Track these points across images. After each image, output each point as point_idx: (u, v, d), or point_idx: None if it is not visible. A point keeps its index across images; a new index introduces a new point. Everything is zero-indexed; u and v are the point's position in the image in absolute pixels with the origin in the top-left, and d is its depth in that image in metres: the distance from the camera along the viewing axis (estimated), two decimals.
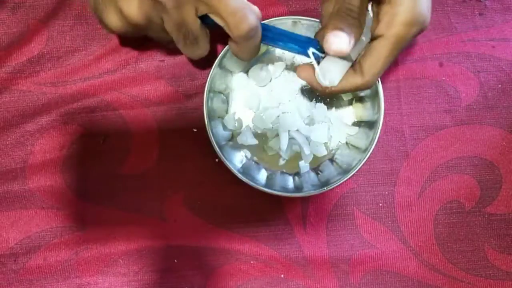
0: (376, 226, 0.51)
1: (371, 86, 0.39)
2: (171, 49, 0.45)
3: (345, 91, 0.40)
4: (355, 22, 0.37)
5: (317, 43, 0.40)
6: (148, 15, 0.38)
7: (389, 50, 0.37)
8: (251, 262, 0.50)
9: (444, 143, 0.51)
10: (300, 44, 0.41)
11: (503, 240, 0.51)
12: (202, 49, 0.41)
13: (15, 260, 0.50)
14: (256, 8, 0.39)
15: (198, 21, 0.39)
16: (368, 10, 0.39)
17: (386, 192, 0.51)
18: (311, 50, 0.40)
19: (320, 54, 0.40)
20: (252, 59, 0.42)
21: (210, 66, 0.46)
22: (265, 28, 0.40)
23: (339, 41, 0.37)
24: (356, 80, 0.39)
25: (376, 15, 0.38)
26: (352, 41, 0.37)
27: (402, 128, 0.51)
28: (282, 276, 0.50)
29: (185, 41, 0.40)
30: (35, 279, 0.50)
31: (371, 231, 0.51)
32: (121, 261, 0.50)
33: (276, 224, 0.50)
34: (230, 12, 0.37)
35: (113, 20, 0.40)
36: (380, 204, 0.51)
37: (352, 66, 0.39)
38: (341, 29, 0.37)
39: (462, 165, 0.51)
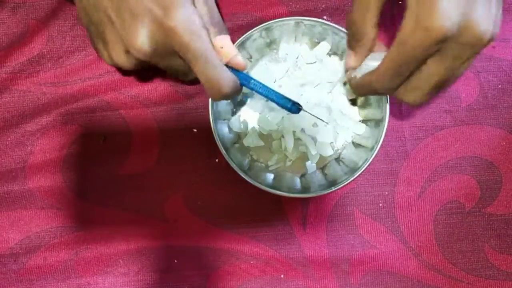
0: (376, 226, 0.51)
1: (377, 87, 0.38)
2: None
3: (361, 87, 0.41)
4: (359, 44, 0.39)
5: (293, 103, 0.44)
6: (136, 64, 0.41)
7: (393, 54, 0.35)
8: (251, 262, 0.50)
9: (444, 143, 0.51)
10: (279, 99, 0.44)
11: (503, 241, 0.51)
12: (192, 77, 0.43)
13: (15, 260, 0.50)
14: (239, 60, 0.41)
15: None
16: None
17: (386, 192, 0.51)
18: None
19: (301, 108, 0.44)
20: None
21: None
22: (248, 80, 0.43)
23: (348, 58, 0.41)
24: (370, 77, 0.39)
25: None
26: (357, 62, 0.40)
27: (402, 128, 0.51)
28: (282, 276, 0.50)
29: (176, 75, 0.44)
30: (35, 279, 0.50)
31: (371, 231, 0.51)
32: (121, 261, 0.50)
33: (276, 224, 0.50)
34: (204, 79, 0.39)
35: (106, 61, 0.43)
36: (380, 204, 0.51)
37: None
38: (351, 48, 0.40)
39: (462, 165, 0.51)
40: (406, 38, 0.33)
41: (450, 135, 0.51)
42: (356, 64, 0.41)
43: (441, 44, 0.33)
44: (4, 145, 0.50)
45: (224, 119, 0.49)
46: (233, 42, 0.46)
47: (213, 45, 0.40)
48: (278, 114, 0.49)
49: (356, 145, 0.49)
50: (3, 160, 0.50)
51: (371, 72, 0.38)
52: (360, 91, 0.41)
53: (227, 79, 0.40)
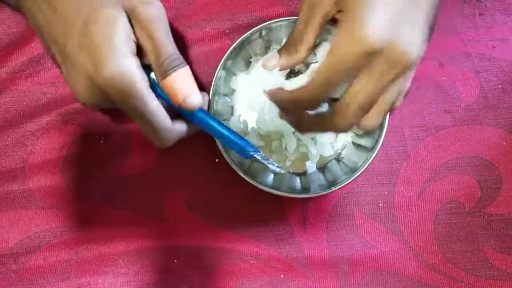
0: (376, 226, 0.51)
1: (305, 96, 0.37)
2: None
3: (291, 99, 0.39)
4: (291, 48, 0.41)
5: (253, 149, 0.42)
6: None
7: (326, 61, 0.35)
8: (251, 262, 0.50)
9: (444, 143, 0.51)
10: (236, 140, 0.42)
11: (503, 241, 0.51)
12: None
13: (15, 260, 0.50)
14: (189, 104, 0.38)
15: None
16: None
17: (386, 192, 0.51)
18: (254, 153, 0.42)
19: (259, 155, 0.42)
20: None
21: None
22: (201, 122, 0.41)
23: (268, 60, 0.43)
24: (300, 88, 0.37)
25: None
26: (279, 64, 0.43)
27: (402, 128, 0.51)
28: (282, 276, 0.50)
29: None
30: (35, 279, 0.50)
31: (371, 231, 0.51)
32: (121, 261, 0.50)
33: (276, 224, 0.50)
34: (144, 133, 0.38)
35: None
36: (380, 204, 0.51)
37: None
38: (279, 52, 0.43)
39: (462, 165, 0.51)
40: (338, 46, 0.34)
41: (450, 135, 0.51)
42: (282, 63, 0.42)
43: (369, 57, 0.34)
44: (4, 145, 0.50)
45: (224, 119, 0.49)
46: (233, 41, 0.46)
47: (159, 90, 0.38)
48: (277, 115, 0.49)
49: (356, 145, 0.49)
50: (3, 160, 0.50)
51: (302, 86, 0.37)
52: (286, 104, 0.39)
53: (166, 135, 0.38)
